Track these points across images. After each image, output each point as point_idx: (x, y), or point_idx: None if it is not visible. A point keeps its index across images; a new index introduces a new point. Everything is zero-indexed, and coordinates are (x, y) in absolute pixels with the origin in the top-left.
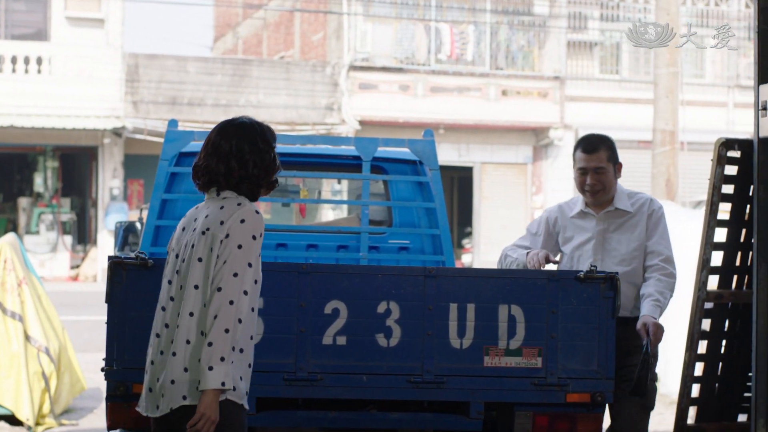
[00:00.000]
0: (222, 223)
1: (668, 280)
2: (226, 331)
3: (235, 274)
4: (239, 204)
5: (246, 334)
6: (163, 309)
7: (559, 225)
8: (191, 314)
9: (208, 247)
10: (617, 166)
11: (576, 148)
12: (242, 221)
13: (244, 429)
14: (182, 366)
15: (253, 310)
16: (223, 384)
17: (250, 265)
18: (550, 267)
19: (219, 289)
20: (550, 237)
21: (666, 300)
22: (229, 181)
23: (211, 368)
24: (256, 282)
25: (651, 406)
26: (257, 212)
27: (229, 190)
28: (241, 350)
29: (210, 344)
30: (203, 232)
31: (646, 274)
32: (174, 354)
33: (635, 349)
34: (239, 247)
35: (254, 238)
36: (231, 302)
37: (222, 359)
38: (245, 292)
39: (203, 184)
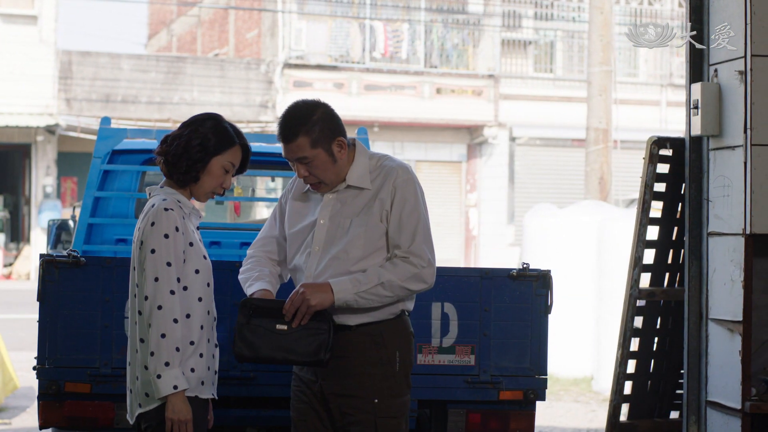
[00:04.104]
0: (139, 229)
1: (403, 264)
2: (162, 336)
3: (156, 279)
4: (153, 205)
5: (195, 324)
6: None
7: (284, 207)
8: (135, 323)
9: (136, 255)
10: (336, 143)
11: None
12: (152, 224)
13: (195, 419)
14: (135, 374)
15: (200, 299)
16: (175, 387)
17: (169, 264)
18: None
19: (146, 298)
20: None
21: (377, 280)
22: (170, 145)
23: (159, 376)
24: (198, 272)
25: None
26: (166, 209)
27: (163, 166)
28: (192, 342)
29: (152, 353)
30: (134, 241)
31: None
32: (129, 364)
33: (365, 370)
34: (152, 251)
35: (166, 236)
36: (159, 307)
37: (167, 364)
38: (172, 292)
39: (161, 142)
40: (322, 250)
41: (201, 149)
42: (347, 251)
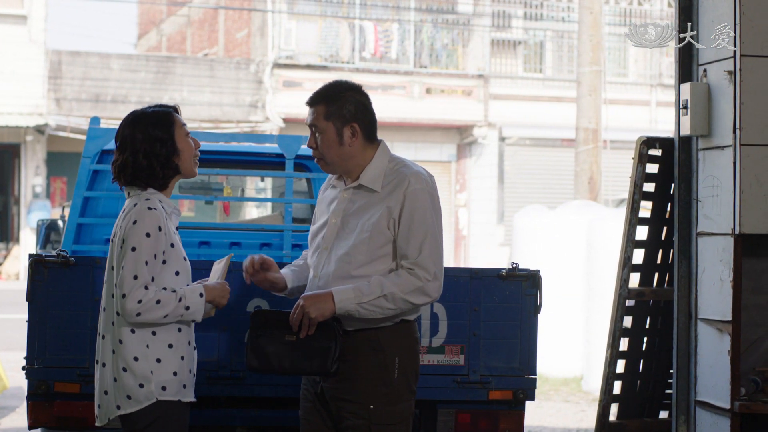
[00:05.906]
0: (121, 228)
1: (407, 277)
2: (164, 316)
3: (135, 277)
4: (135, 204)
5: (172, 327)
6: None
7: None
8: (113, 323)
9: (116, 254)
10: (349, 127)
11: None
12: (134, 222)
13: (179, 422)
14: (112, 376)
15: (180, 300)
16: (201, 294)
17: (146, 263)
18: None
19: (123, 296)
20: None
21: (379, 292)
22: (126, 172)
23: (188, 306)
24: (178, 273)
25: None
26: (150, 208)
27: (133, 185)
28: (170, 345)
29: (154, 333)
30: (112, 240)
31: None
32: (104, 365)
33: (361, 375)
34: (133, 249)
35: (148, 235)
36: (139, 301)
37: (187, 308)
38: (146, 287)
39: (114, 177)
40: (330, 249)
41: (162, 146)
42: (351, 254)
